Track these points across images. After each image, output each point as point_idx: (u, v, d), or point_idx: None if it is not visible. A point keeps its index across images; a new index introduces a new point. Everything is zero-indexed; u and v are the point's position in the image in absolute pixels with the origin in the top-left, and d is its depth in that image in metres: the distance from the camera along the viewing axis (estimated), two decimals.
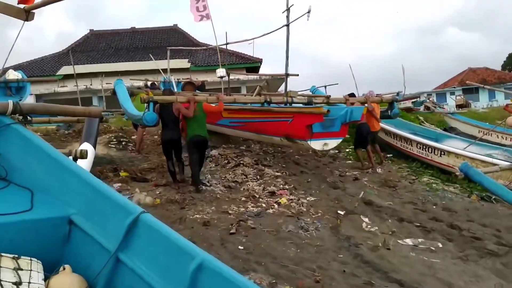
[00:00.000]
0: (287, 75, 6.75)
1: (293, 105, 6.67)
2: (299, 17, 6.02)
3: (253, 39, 9.82)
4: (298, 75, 16.70)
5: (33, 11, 2.77)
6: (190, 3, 10.01)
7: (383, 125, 8.96)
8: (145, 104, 5.78)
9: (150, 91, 7.63)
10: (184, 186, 5.91)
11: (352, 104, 7.03)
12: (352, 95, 8.47)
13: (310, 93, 9.71)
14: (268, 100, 6.39)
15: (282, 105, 6.78)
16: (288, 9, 5.98)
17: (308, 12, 5.94)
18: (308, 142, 6.19)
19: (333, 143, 6.46)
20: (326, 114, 5.90)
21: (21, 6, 2.76)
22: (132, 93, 7.95)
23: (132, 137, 9.01)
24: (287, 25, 6.06)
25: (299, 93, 8.95)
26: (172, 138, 5.92)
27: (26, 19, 2.76)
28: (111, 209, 1.69)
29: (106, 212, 1.71)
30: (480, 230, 4.58)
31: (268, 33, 8.09)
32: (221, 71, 10.57)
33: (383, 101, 8.02)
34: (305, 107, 6.46)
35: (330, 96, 7.68)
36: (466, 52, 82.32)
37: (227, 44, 11.12)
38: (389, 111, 7.77)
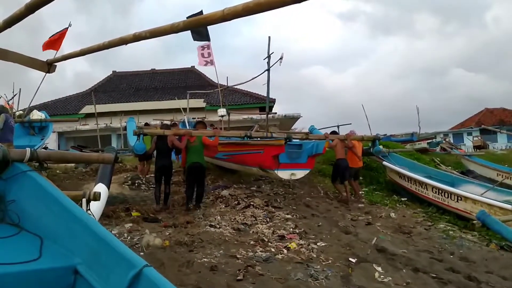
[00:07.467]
0: (267, 113, 8.16)
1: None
2: (274, 63, 7.02)
3: (240, 83, 11.94)
4: (276, 113, 20.30)
5: (55, 63, 2.97)
6: (197, 50, 11.29)
7: (396, 167, 8.89)
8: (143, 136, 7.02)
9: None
10: (193, 227, 5.91)
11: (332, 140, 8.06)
12: (333, 132, 9.35)
13: (309, 131, 11.07)
14: (248, 134, 7.37)
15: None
16: (268, 56, 6.86)
17: (281, 58, 6.86)
18: (276, 171, 6.91)
19: (300, 173, 7.18)
20: (284, 144, 6.73)
21: (44, 59, 2.97)
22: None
23: (147, 175, 9.17)
24: (268, 70, 6.92)
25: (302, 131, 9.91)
26: (163, 165, 6.99)
27: (48, 71, 2.95)
28: (115, 260, 1.70)
29: (110, 263, 1.71)
30: (499, 283, 4.32)
31: (253, 79, 9.30)
32: (221, 111, 11.95)
33: (364, 139, 8.77)
34: (268, 140, 7.29)
35: (309, 133, 8.93)
36: (475, 92, 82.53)
37: (227, 87, 12.76)
38: (371, 149, 8.52)
